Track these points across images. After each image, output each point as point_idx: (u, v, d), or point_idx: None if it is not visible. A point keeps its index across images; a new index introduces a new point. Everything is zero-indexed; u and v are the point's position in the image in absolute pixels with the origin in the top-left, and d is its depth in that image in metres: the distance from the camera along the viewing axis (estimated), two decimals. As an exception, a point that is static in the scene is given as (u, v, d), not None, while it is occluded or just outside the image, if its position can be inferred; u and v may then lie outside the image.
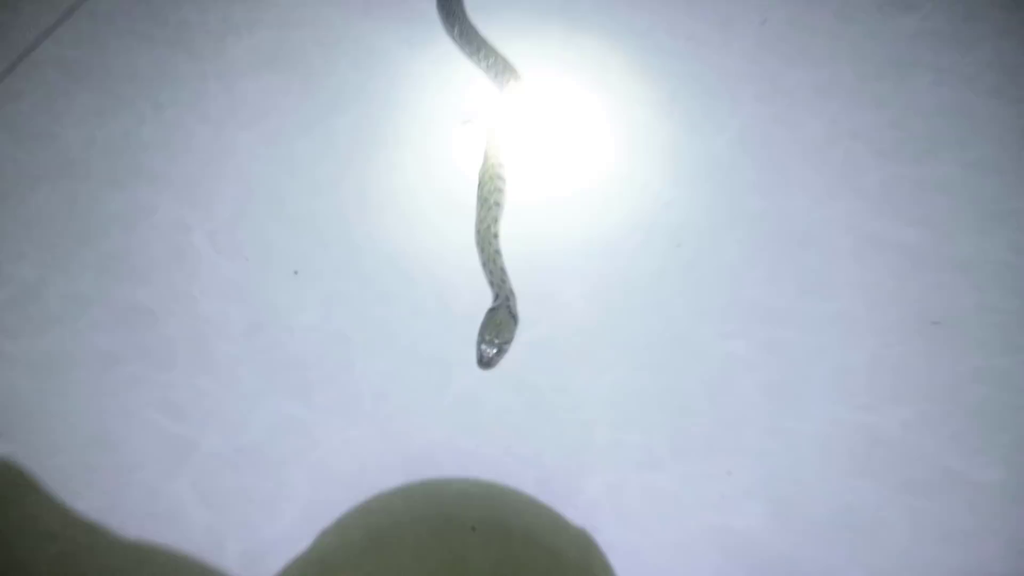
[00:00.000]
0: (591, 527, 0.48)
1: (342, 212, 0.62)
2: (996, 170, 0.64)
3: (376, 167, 0.65)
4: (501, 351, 0.52)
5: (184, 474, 0.49)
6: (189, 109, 0.69)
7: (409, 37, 0.74)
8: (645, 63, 0.72)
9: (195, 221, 0.61)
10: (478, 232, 0.58)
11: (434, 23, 0.75)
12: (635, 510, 0.48)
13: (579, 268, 0.59)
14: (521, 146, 0.65)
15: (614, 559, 0.47)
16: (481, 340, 0.52)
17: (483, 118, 0.67)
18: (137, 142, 0.66)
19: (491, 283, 0.55)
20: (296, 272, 0.58)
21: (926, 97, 0.69)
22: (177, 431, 0.51)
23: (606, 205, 0.62)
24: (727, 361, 0.54)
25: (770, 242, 0.60)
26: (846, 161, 0.65)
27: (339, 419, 0.52)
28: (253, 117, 0.68)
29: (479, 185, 0.61)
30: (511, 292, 0.55)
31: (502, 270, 0.56)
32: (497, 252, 0.57)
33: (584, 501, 0.48)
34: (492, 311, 0.54)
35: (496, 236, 0.58)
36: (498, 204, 0.59)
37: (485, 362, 0.52)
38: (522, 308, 0.55)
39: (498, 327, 0.53)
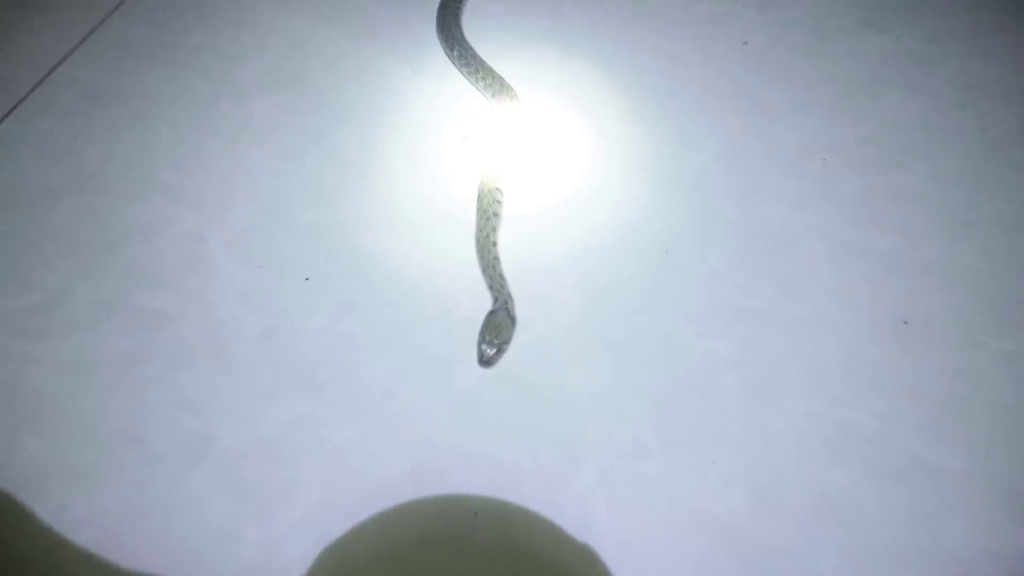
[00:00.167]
0: (585, 513, 0.50)
1: (349, 222, 0.65)
2: (963, 181, 0.67)
3: (380, 180, 0.68)
4: (500, 351, 0.55)
5: (204, 466, 0.52)
6: (202, 126, 0.72)
7: (410, 59, 0.78)
8: (632, 82, 0.76)
9: (210, 231, 0.64)
10: (478, 240, 0.61)
11: (433, 45, 0.79)
12: (626, 497, 0.50)
13: (572, 273, 0.61)
14: (517, 160, 0.68)
15: (606, 541, 0.48)
16: (481, 340, 0.55)
17: (481, 134, 0.71)
18: (153, 157, 0.69)
19: (490, 287, 0.58)
20: (307, 279, 0.61)
21: (897, 112, 0.73)
22: (197, 426, 0.53)
23: (597, 215, 0.65)
24: (710, 359, 0.57)
25: (750, 248, 0.63)
26: (822, 172, 0.68)
27: (349, 415, 0.54)
28: (263, 133, 0.71)
29: (479, 197, 0.64)
30: (509, 296, 0.58)
31: (501, 275, 0.59)
32: (496, 259, 0.60)
33: (578, 488, 0.50)
34: (492, 313, 0.56)
35: (495, 244, 0.61)
36: (496, 215, 0.62)
37: (485, 361, 0.55)
38: (519, 311, 0.58)
39: (497, 328, 0.55)
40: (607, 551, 0.48)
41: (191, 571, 0.48)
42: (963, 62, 0.78)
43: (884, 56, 0.79)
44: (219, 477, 0.51)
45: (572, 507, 0.50)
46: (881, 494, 0.51)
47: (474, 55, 0.74)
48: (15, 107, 0.72)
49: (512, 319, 0.57)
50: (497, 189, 0.64)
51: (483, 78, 0.72)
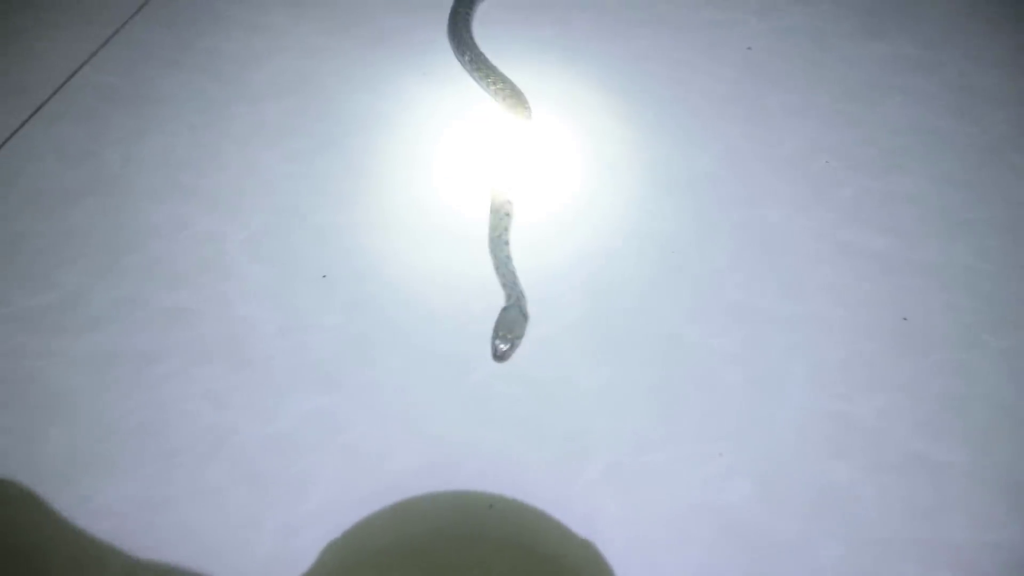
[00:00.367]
0: (592, 504, 0.51)
1: (361, 224, 0.66)
2: (959, 183, 0.69)
3: (392, 182, 0.69)
4: (513, 346, 0.56)
5: (222, 458, 0.53)
6: (217, 129, 0.73)
7: (420, 64, 0.79)
8: (638, 87, 0.77)
9: (226, 231, 0.65)
10: (491, 240, 0.62)
11: (443, 51, 0.80)
12: (632, 488, 0.51)
13: (579, 274, 0.63)
14: (528, 163, 0.70)
15: (614, 531, 0.49)
16: (495, 336, 0.56)
17: (491, 138, 0.72)
18: (171, 159, 0.70)
19: (503, 285, 0.59)
20: (324, 276, 0.62)
21: (895, 116, 0.74)
22: (215, 420, 0.54)
23: (602, 217, 0.67)
24: (713, 356, 0.58)
25: (752, 249, 0.64)
26: (822, 175, 0.69)
27: (363, 409, 0.55)
28: (276, 137, 0.73)
29: (491, 199, 0.65)
30: (521, 293, 0.59)
31: (513, 273, 0.60)
32: (508, 257, 0.61)
33: (586, 480, 0.52)
34: (505, 310, 0.58)
35: (507, 243, 0.62)
36: (508, 215, 0.64)
37: (499, 356, 0.56)
38: (530, 309, 0.59)
39: (511, 324, 0.57)
40: (614, 542, 0.49)
41: (210, 559, 0.49)
42: (960, 67, 0.79)
43: (883, 62, 0.80)
44: (236, 469, 0.52)
45: (579, 499, 0.51)
46: (881, 487, 0.52)
47: (485, 60, 0.76)
48: (37, 111, 0.74)
49: (524, 316, 0.58)
50: (509, 190, 0.65)
51: (494, 83, 0.74)
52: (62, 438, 0.54)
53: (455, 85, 0.78)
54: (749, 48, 0.81)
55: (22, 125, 0.72)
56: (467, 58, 0.77)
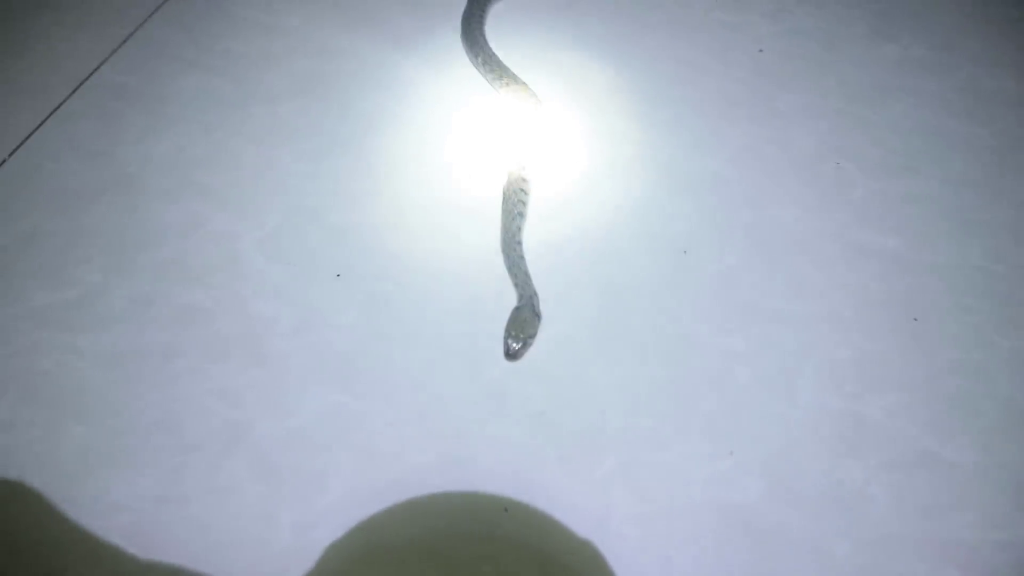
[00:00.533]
0: (605, 501, 0.51)
1: (376, 223, 0.66)
2: (971, 185, 0.69)
3: (407, 182, 0.70)
4: (526, 345, 0.57)
5: (240, 453, 0.53)
6: (233, 129, 0.74)
7: (436, 65, 0.80)
8: (651, 88, 0.78)
9: (243, 230, 0.66)
10: (503, 239, 0.63)
11: (458, 53, 0.81)
12: (646, 485, 0.52)
13: (594, 272, 0.63)
14: (541, 163, 0.70)
15: (626, 528, 0.50)
16: (507, 335, 0.57)
17: (504, 138, 0.73)
18: (188, 159, 0.71)
19: (516, 284, 0.60)
20: (339, 275, 0.63)
21: (907, 119, 0.75)
22: (232, 416, 0.55)
23: (616, 217, 0.67)
24: (726, 355, 0.58)
25: (765, 249, 0.65)
26: (832, 176, 0.70)
27: (380, 406, 0.55)
28: (291, 136, 0.73)
29: (504, 199, 0.66)
30: (534, 292, 0.59)
31: (525, 272, 0.60)
32: (521, 257, 0.62)
33: (600, 477, 0.52)
34: (517, 309, 0.58)
35: (520, 243, 0.63)
36: (521, 215, 0.64)
37: (511, 355, 0.56)
38: (543, 308, 0.59)
39: (523, 323, 0.57)
40: (626, 539, 0.50)
41: (225, 554, 0.49)
42: (972, 70, 0.80)
43: (894, 64, 0.81)
44: (254, 464, 0.53)
45: (592, 495, 0.52)
46: (891, 486, 0.52)
47: (498, 62, 0.77)
48: (55, 110, 0.75)
49: (537, 315, 0.58)
50: (522, 190, 0.66)
51: (507, 84, 0.75)
52: (81, 432, 0.54)
53: (469, 85, 0.78)
54: (760, 50, 0.82)
55: (40, 124, 0.73)
56: (480, 59, 0.77)
